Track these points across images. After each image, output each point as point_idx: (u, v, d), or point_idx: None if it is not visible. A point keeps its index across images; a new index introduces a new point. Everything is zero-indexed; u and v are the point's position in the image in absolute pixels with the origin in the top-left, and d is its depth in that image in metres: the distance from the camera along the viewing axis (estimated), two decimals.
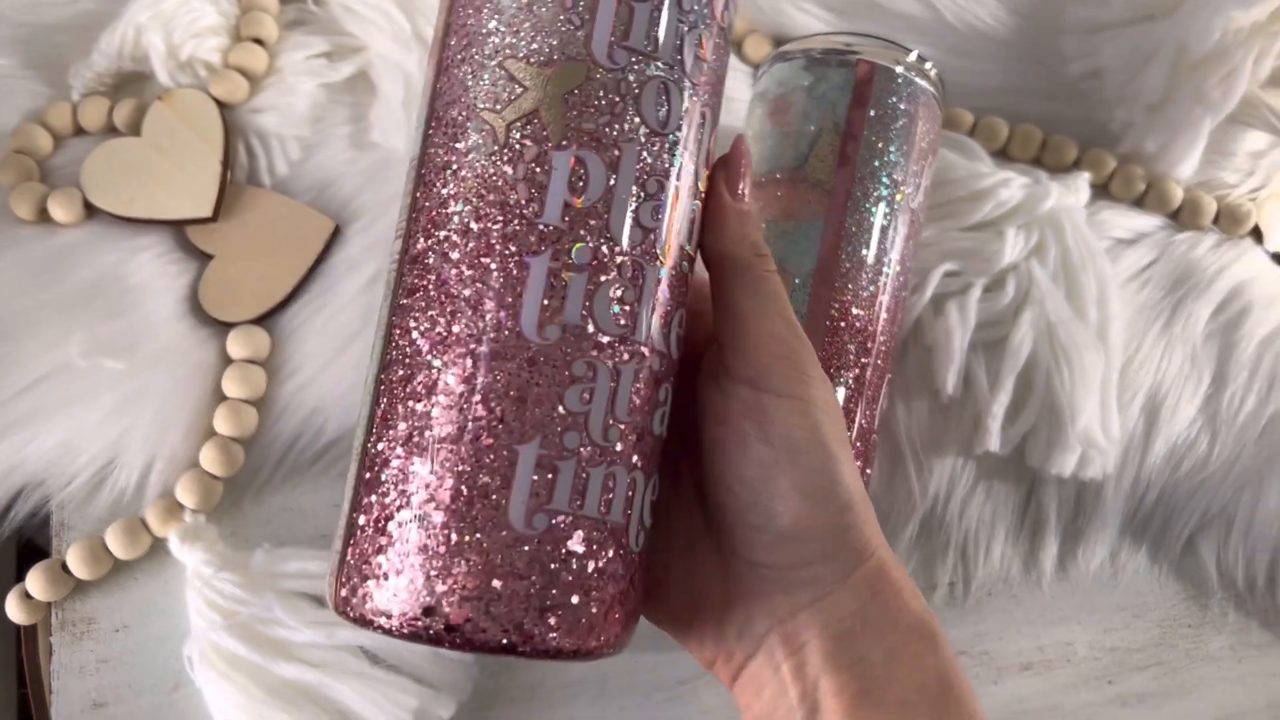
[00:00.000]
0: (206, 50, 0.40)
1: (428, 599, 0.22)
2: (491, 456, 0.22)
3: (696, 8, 0.24)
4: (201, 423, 0.37)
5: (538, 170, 0.22)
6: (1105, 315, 0.39)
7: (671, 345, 0.24)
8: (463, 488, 0.22)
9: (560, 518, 0.22)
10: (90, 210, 0.38)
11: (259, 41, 0.41)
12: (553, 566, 0.22)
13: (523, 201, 0.22)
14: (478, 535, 0.22)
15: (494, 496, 0.22)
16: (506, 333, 0.22)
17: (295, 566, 0.35)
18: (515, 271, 0.22)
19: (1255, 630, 0.40)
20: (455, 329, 0.23)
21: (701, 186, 0.25)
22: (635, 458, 0.23)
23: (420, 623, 0.22)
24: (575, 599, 0.22)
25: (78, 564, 0.35)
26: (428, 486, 0.22)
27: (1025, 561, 0.40)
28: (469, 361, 0.22)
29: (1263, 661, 0.40)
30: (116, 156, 0.39)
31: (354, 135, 0.41)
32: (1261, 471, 0.40)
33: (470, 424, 0.22)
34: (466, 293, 0.23)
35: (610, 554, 0.23)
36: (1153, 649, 0.39)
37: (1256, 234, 0.44)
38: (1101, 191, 0.44)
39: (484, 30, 0.23)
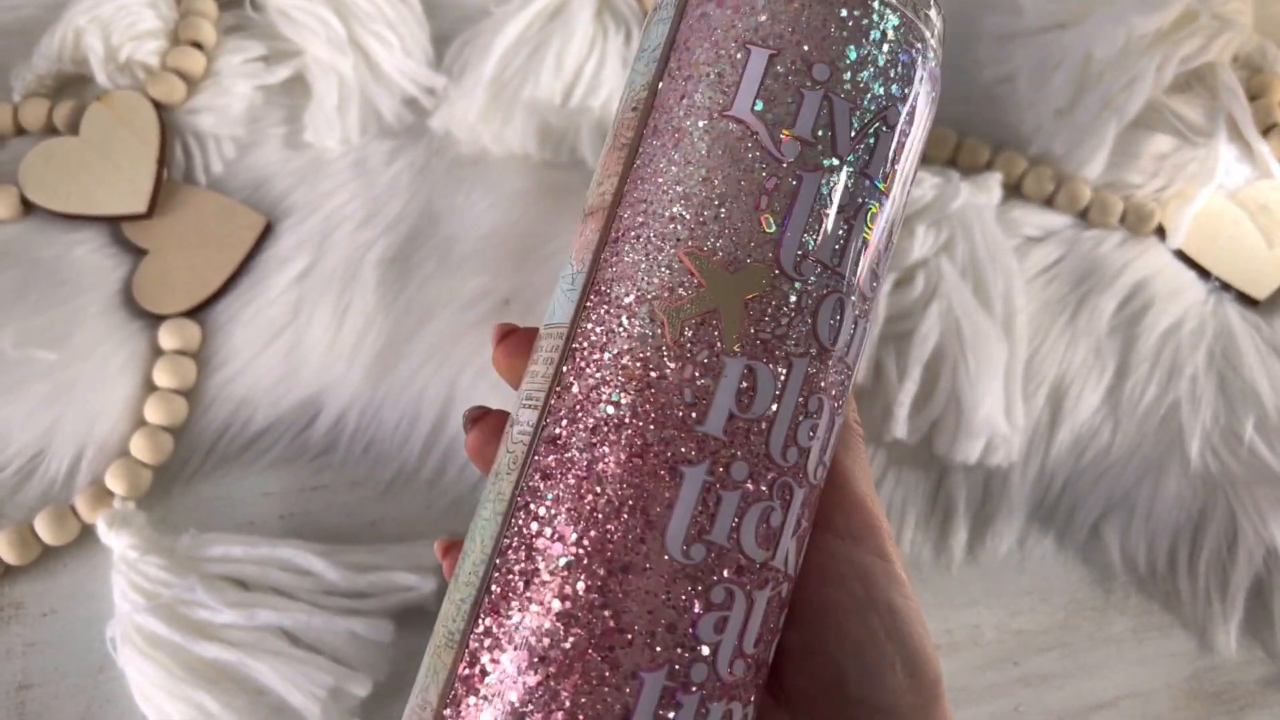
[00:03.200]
0: (145, 53, 0.41)
1: None
2: (613, 680, 0.20)
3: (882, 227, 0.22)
4: (132, 412, 0.38)
5: (705, 375, 0.20)
6: (1010, 309, 0.40)
7: (793, 569, 0.21)
8: (579, 713, 0.19)
9: None
10: (28, 207, 0.40)
11: (197, 45, 0.42)
12: None
13: (685, 405, 0.20)
14: None
15: None
16: (646, 546, 0.20)
17: (219, 550, 0.36)
18: (668, 479, 0.20)
19: (1156, 613, 0.41)
20: (592, 531, 0.20)
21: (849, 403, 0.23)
22: (751, 693, 0.21)
23: None
24: None
25: (7, 550, 0.36)
26: (537, 699, 0.20)
27: (935, 546, 0.41)
28: (602, 570, 0.20)
29: (1163, 643, 0.41)
30: (54, 155, 0.40)
31: (288, 136, 0.42)
32: (1161, 459, 0.41)
33: (594, 639, 0.20)
34: (609, 493, 0.20)
35: None
36: (1058, 631, 0.40)
37: (1161, 232, 0.45)
38: (1014, 191, 0.45)
39: (665, 214, 0.21)
